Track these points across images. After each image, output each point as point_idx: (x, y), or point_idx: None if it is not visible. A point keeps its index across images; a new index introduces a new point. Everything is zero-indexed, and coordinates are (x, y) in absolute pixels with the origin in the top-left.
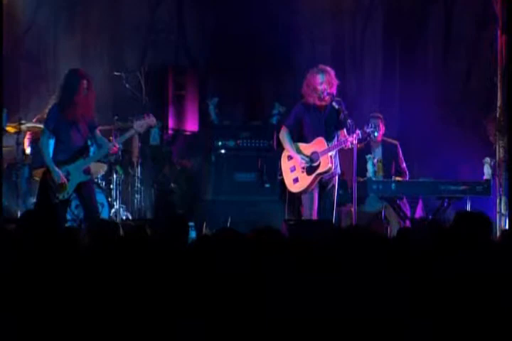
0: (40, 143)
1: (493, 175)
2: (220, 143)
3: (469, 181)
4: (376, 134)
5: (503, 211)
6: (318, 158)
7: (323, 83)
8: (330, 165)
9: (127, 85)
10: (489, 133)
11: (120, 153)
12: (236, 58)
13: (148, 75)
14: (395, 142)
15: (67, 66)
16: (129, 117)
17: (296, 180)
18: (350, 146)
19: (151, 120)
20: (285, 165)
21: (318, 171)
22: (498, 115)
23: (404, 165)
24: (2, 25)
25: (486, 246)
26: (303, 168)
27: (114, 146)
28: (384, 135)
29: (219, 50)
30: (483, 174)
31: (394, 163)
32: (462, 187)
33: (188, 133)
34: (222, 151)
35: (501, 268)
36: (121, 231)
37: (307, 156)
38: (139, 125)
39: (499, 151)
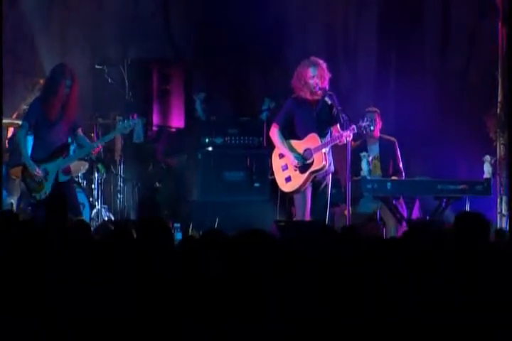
0: (18, 138)
1: (494, 173)
2: (207, 140)
3: (468, 180)
4: (372, 128)
5: (503, 211)
6: (311, 155)
7: (315, 77)
8: (324, 162)
9: (109, 79)
10: (489, 129)
11: (102, 150)
12: (224, 50)
13: (131, 69)
14: (393, 139)
15: (46, 59)
16: (111, 113)
17: (288, 179)
18: (344, 141)
19: (136, 122)
20: (276, 163)
21: (312, 169)
22: (498, 111)
23: (401, 164)
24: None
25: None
26: (295, 166)
27: (97, 147)
28: (381, 131)
29: (206, 42)
30: (483, 173)
31: (391, 161)
32: (461, 187)
33: (173, 129)
34: (210, 149)
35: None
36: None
37: (300, 154)
38: (123, 127)
39: (500, 149)
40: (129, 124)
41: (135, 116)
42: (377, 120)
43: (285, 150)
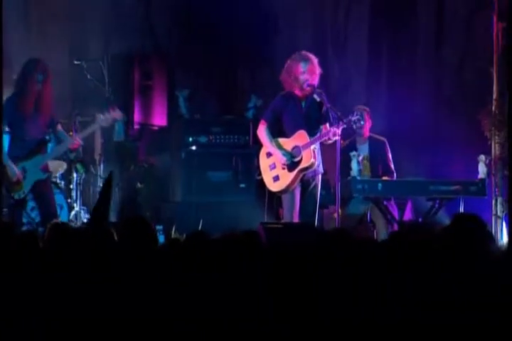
0: None
1: (489, 173)
2: (190, 139)
3: (462, 181)
4: (362, 123)
5: (499, 213)
6: (299, 153)
7: (306, 72)
8: (313, 159)
9: (88, 75)
10: (484, 128)
11: (81, 149)
12: (209, 45)
13: (111, 64)
14: (383, 139)
15: (21, 54)
16: (90, 111)
17: (276, 178)
18: (333, 138)
19: (117, 114)
20: (264, 162)
21: (301, 166)
22: (493, 108)
23: (392, 165)
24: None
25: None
26: (283, 164)
27: (75, 141)
28: (371, 130)
29: (190, 36)
30: (477, 173)
31: (381, 161)
32: (455, 187)
33: (155, 127)
34: (193, 148)
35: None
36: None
37: (288, 152)
38: (103, 119)
39: (495, 148)
40: (109, 117)
41: (115, 108)
42: (367, 119)
43: (273, 149)
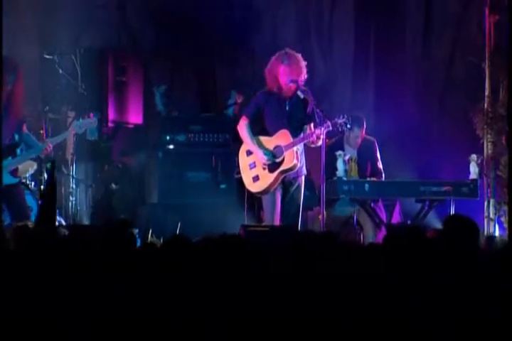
0: None
1: (481, 174)
2: (168, 138)
3: (453, 181)
4: (349, 126)
5: (491, 215)
6: (281, 153)
7: (288, 73)
8: (295, 161)
9: (60, 70)
10: (476, 126)
11: (52, 149)
12: (186, 40)
13: (84, 59)
14: (372, 138)
15: None
16: (62, 108)
17: (256, 179)
18: (316, 142)
19: (92, 121)
20: (244, 161)
21: (282, 168)
22: (486, 105)
23: (380, 165)
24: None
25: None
26: (264, 163)
27: (47, 147)
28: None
29: (166, 30)
30: (469, 173)
31: (369, 162)
32: (445, 188)
33: (130, 126)
34: (171, 147)
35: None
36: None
37: (269, 151)
38: (78, 126)
39: (487, 147)
40: (84, 124)
41: (91, 115)
42: (362, 128)
43: (253, 146)
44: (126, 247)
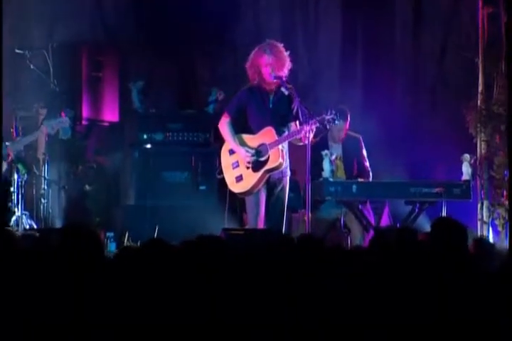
0: None
1: (474, 175)
2: (145, 137)
3: (445, 182)
4: (337, 122)
5: (485, 218)
6: (266, 152)
7: (272, 64)
8: (281, 160)
9: (31, 65)
10: (469, 124)
11: (23, 148)
12: (164, 33)
13: (57, 53)
14: (358, 136)
15: None
16: (34, 105)
17: (239, 179)
18: (305, 140)
19: (65, 120)
20: (226, 160)
21: (267, 167)
22: (479, 103)
23: (367, 163)
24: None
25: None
26: (248, 162)
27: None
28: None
29: (143, 23)
30: (461, 174)
31: (355, 161)
32: (436, 190)
33: (105, 124)
34: (148, 146)
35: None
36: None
37: (253, 149)
38: (50, 126)
39: (481, 146)
40: (56, 123)
41: (63, 114)
42: (347, 121)
43: (235, 145)
44: (95, 252)
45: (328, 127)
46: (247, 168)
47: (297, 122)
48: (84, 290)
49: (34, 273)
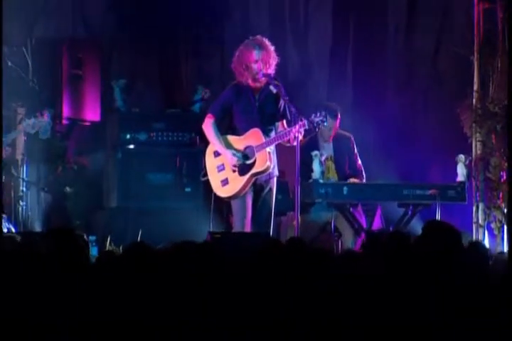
0: None
1: (469, 176)
2: (128, 137)
3: (439, 184)
4: (326, 124)
5: (480, 221)
6: (253, 154)
7: (259, 61)
8: (268, 163)
9: (9, 63)
10: (464, 124)
11: None
12: (148, 29)
13: (36, 50)
14: (348, 134)
15: None
16: (12, 104)
17: (225, 182)
18: (294, 142)
19: (44, 120)
20: (211, 163)
21: (254, 170)
22: (474, 101)
23: (359, 162)
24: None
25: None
26: (234, 166)
27: None
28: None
29: (126, 18)
30: (456, 175)
31: (348, 160)
32: (430, 192)
33: (87, 123)
34: (131, 146)
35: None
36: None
37: (239, 151)
38: (30, 126)
39: (476, 147)
40: (35, 124)
41: (45, 115)
42: (337, 119)
43: (220, 147)
44: (76, 257)
45: (317, 129)
46: (233, 171)
47: (284, 121)
48: (66, 295)
49: (17, 277)
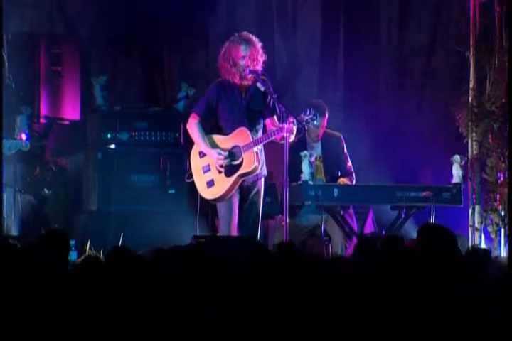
0: None
1: (465, 177)
2: (109, 136)
3: (434, 186)
4: (316, 123)
5: (476, 224)
6: (240, 154)
7: (246, 57)
8: (256, 163)
9: None
10: (459, 123)
11: None
12: (130, 24)
13: (12, 46)
14: (338, 134)
15: None
16: None
17: (211, 184)
18: (280, 139)
19: (24, 144)
20: (196, 163)
21: (241, 171)
22: (470, 100)
23: (349, 163)
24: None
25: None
26: (220, 166)
27: None
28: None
29: (107, 13)
30: (451, 176)
31: (337, 161)
32: (424, 194)
33: (66, 122)
34: (112, 146)
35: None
36: None
37: (226, 151)
38: (7, 147)
39: (472, 147)
40: (13, 145)
41: (23, 135)
42: (325, 117)
43: (206, 147)
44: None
45: (306, 128)
46: (219, 172)
47: (273, 119)
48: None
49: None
